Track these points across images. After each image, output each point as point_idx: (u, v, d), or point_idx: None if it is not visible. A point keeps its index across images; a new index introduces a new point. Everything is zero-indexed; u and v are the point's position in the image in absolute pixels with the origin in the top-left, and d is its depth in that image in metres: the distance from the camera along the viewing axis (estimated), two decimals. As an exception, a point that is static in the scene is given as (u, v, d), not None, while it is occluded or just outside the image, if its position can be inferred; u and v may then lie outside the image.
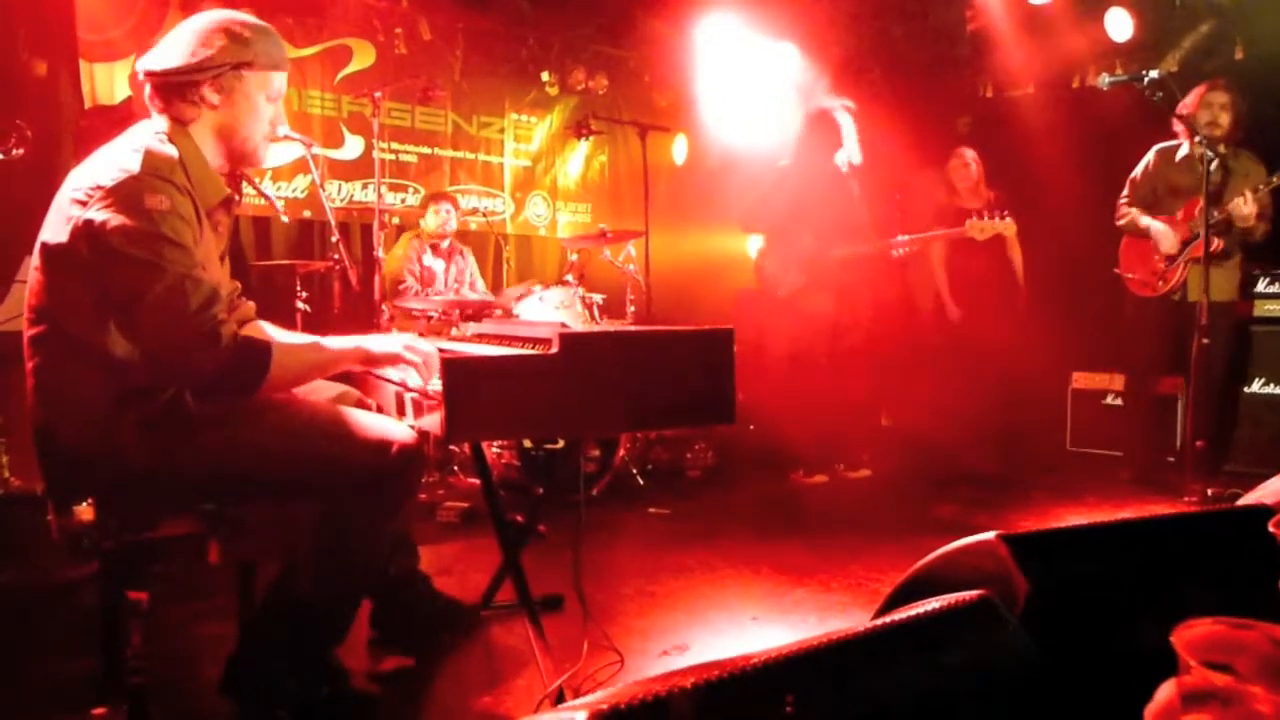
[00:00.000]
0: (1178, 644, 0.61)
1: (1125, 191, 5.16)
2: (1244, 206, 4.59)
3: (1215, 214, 4.61)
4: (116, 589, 2.10)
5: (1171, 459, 5.22)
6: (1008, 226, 5.06)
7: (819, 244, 5.29)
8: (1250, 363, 5.14)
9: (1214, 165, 4.59)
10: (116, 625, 2.12)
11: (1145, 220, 5.00)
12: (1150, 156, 5.11)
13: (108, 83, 5.49)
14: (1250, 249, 4.91)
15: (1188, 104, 4.77)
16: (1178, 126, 4.89)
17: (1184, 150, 4.94)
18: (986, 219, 5.06)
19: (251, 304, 2.57)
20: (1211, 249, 4.55)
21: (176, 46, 2.17)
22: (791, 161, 5.46)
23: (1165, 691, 0.61)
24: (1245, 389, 5.14)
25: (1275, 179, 4.62)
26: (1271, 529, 0.77)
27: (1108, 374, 5.79)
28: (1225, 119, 4.73)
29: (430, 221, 5.89)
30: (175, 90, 2.18)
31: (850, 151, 5.35)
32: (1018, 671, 0.82)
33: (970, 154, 5.89)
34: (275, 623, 2.27)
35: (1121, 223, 5.12)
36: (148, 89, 2.21)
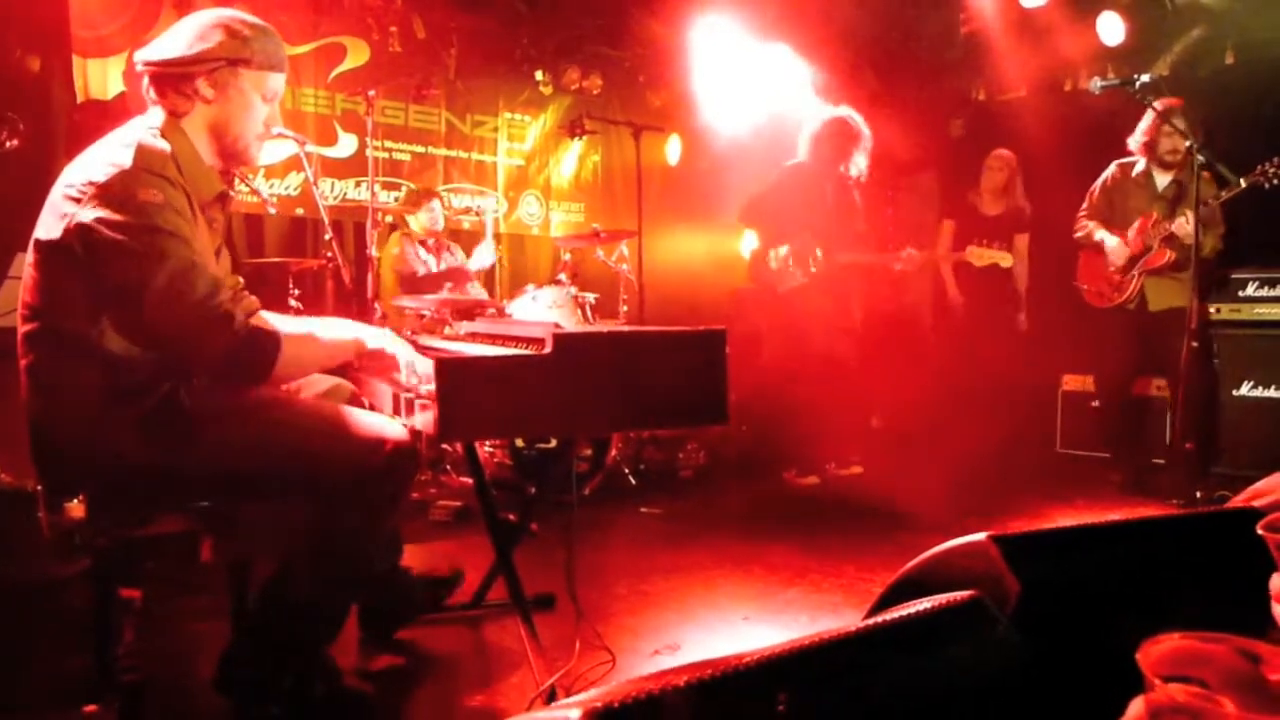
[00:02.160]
0: (1142, 661, 0.61)
1: (1084, 205, 5.29)
2: (1186, 225, 4.73)
3: (1167, 227, 4.84)
4: (109, 586, 2.10)
5: (1160, 461, 5.25)
6: (1003, 258, 5.14)
7: (822, 246, 5.30)
8: (1240, 366, 5.17)
9: (1168, 184, 4.90)
10: (108, 622, 2.12)
11: (1100, 234, 5.14)
12: (1111, 170, 5.24)
13: (101, 78, 5.48)
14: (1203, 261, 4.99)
15: (1147, 131, 4.97)
16: (1136, 144, 5.07)
17: (1140, 166, 5.10)
18: (985, 248, 5.13)
19: (255, 299, 2.57)
20: (1164, 261, 4.87)
21: (176, 39, 2.19)
22: (802, 161, 5.46)
23: (1135, 707, 0.62)
24: (1234, 392, 5.17)
25: (1213, 201, 4.73)
26: (1260, 531, 0.78)
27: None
28: (1183, 148, 4.82)
29: (422, 219, 5.85)
30: (170, 81, 2.19)
31: (863, 163, 5.37)
32: (1009, 672, 0.82)
33: (1004, 156, 5.91)
34: (269, 620, 2.27)
35: (1079, 235, 5.26)
36: (145, 79, 2.22)
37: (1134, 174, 5.12)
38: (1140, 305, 5.04)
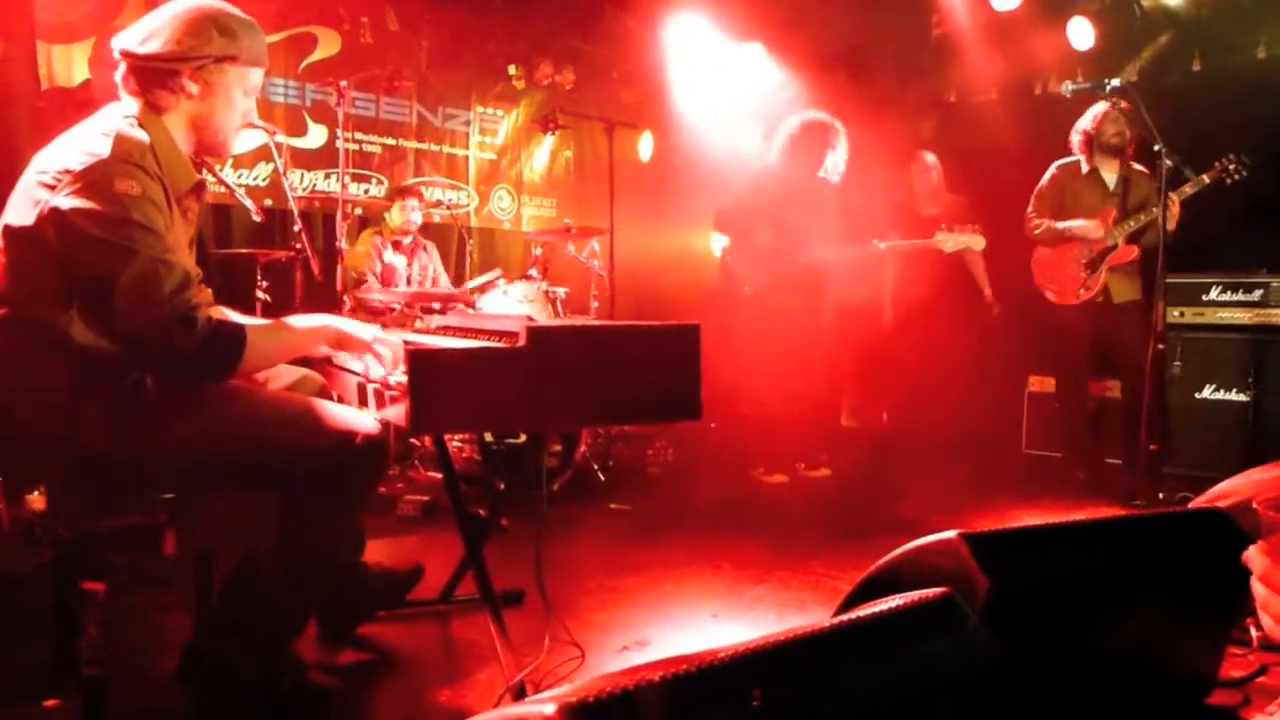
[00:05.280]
0: (1258, 504, 0.64)
1: (1032, 207, 5.33)
2: (1175, 205, 4.75)
3: (1130, 224, 4.96)
4: (70, 579, 2.06)
5: (1116, 461, 5.27)
6: (975, 240, 5.11)
7: (790, 246, 5.29)
8: (1203, 369, 5.23)
9: (1117, 181, 5.03)
10: (70, 616, 2.09)
11: (1064, 223, 5.16)
12: (1053, 171, 5.31)
13: (65, 64, 5.39)
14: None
15: (1095, 117, 5.08)
16: (1076, 141, 5.18)
17: (1085, 166, 5.20)
18: (957, 232, 5.10)
19: (209, 290, 2.54)
20: (1131, 257, 4.98)
21: (162, 32, 2.14)
22: (775, 163, 5.46)
23: (1255, 551, 0.64)
24: (1196, 395, 5.24)
25: (1205, 177, 4.76)
26: (1256, 506, 0.80)
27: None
28: (1129, 131, 4.99)
29: (396, 217, 5.82)
30: (156, 77, 2.16)
31: (840, 165, 5.37)
32: (979, 666, 0.83)
33: (931, 158, 6.00)
34: (234, 612, 2.25)
35: (1038, 231, 5.26)
36: (122, 69, 2.18)
37: (1082, 173, 5.19)
38: (1106, 299, 5.09)
